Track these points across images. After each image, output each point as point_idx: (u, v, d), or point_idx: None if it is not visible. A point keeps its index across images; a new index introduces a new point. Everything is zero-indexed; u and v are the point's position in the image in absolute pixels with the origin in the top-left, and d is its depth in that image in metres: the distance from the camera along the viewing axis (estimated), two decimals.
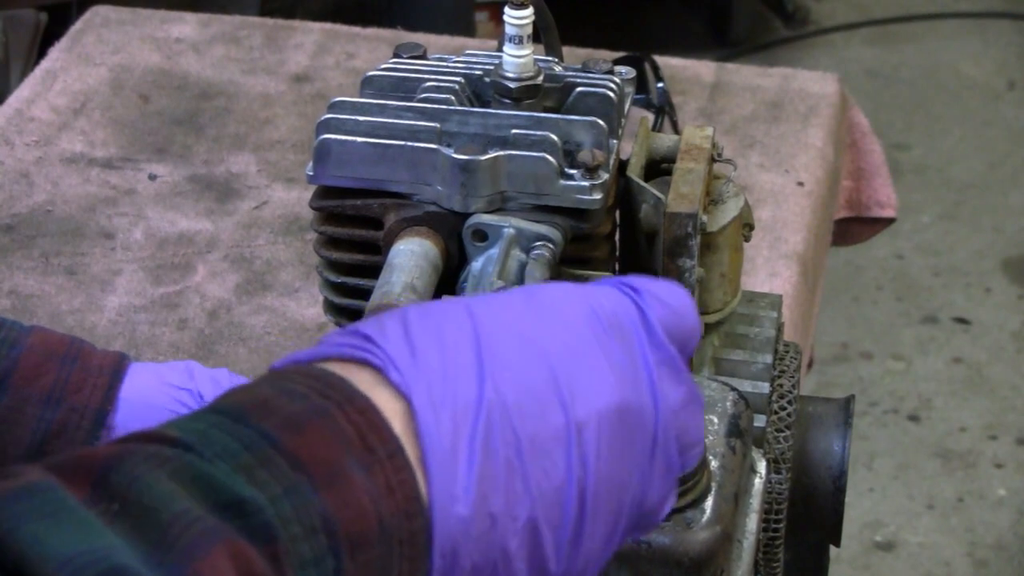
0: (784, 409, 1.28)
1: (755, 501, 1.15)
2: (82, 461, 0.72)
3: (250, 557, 0.71)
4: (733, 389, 1.14)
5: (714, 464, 1.07)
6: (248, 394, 0.79)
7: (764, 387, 1.28)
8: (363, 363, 0.81)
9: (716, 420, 1.11)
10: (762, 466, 1.17)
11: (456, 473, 0.79)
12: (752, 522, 1.13)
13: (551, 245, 1.16)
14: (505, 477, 0.80)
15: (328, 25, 2.36)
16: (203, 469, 0.73)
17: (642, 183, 1.23)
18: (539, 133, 1.17)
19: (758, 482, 1.16)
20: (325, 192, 1.22)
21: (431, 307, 0.85)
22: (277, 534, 0.72)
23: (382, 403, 0.79)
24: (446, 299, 0.90)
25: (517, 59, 1.20)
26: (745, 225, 1.29)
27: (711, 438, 1.09)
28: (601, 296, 0.87)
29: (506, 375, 0.81)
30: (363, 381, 0.80)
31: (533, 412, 0.81)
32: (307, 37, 2.32)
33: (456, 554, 0.79)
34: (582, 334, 0.85)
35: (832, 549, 1.40)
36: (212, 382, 1.19)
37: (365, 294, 1.18)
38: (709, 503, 1.05)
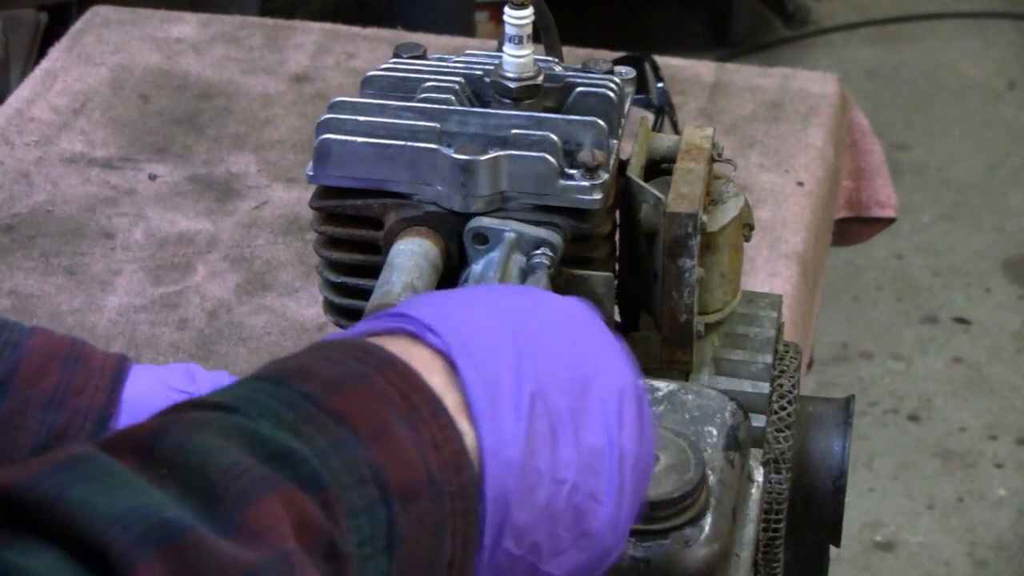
0: (784, 409, 1.28)
1: (753, 511, 1.14)
2: (126, 437, 0.73)
3: (303, 503, 0.71)
4: (732, 399, 1.14)
5: (712, 479, 1.07)
6: (287, 362, 0.80)
7: (764, 387, 1.27)
8: (399, 332, 0.83)
9: (715, 432, 1.10)
10: (759, 473, 1.17)
11: (502, 420, 0.80)
12: (749, 532, 1.13)
13: (551, 252, 1.16)
14: (550, 437, 0.81)
15: (328, 25, 2.36)
16: (247, 426, 0.74)
17: (642, 183, 1.23)
18: (539, 133, 1.17)
19: (755, 491, 1.15)
20: (325, 192, 1.22)
21: (456, 291, 0.89)
22: (326, 482, 0.73)
23: (421, 364, 0.81)
24: (462, 291, 0.92)
25: (517, 59, 1.20)
26: (745, 225, 1.29)
27: (709, 451, 1.09)
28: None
29: (538, 352, 0.83)
30: (400, 347, 0.81)
31: (568, 386, 0.83)
32: (307, 37, 2.32)
33: (507, 507, 0.80)
34: (588, 324, 0.88)
35: (832, 549, 1.40)
36: (213, 385, 1.19)
37: (365, 294, 1.18)
38: (708, 520, 1.04)
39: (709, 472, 1.07)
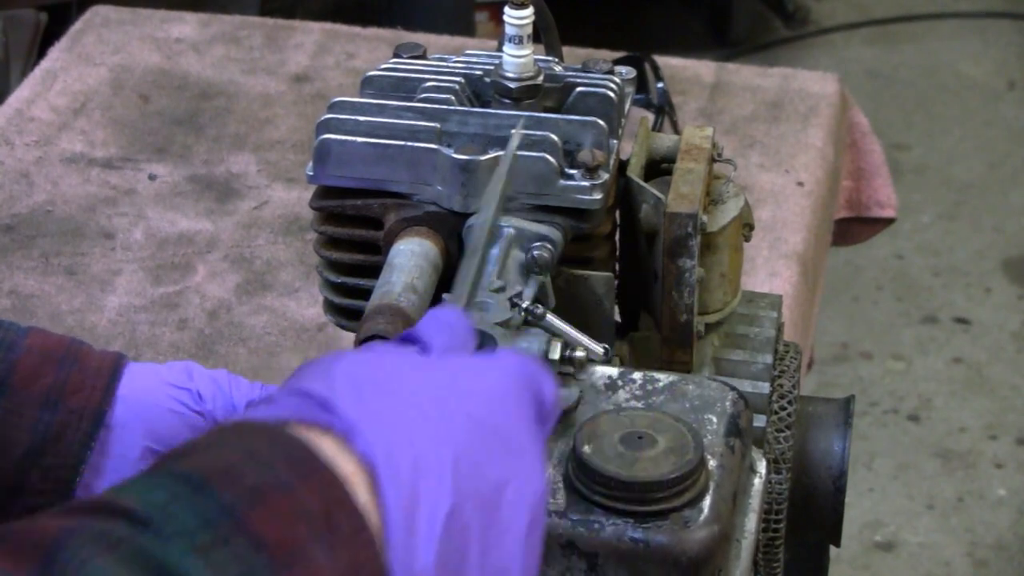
0: (784, 409, 1.28)
1: (754, 501, 1.15)
2: (30, 536, 0.70)
3: None
4: (732, 388, 1.14)
5: (712, 463, 1.07)
6: (212, 457, 0.77)
7: (764, 387, 1.28)
8: (326, 429, 0.80)
9: (715, 420, 1.11)
10: (762, 466, 1.17)
11: (415, 549, 0.79)
12: (751, 522, 1.13)
13: (550, 246, 1.16)
14: (459, 560, 0.80)
15: (328, 25, 2.36)
16: (156, 554, 0.71)
17: (642, 183, 1.24)
18: (539, 133, 1.17)
19: (758, 482, 1.16)
20: (325, 192, 1.22)
21: (379, 367, 0.84)
22: None
23: (347, 473, 0.78)
24: (390, 351, 0.89)
25: (517, 59, 1.20)
26: (745, 225, 1.29)
27: (709, 438, 1.09)
28: (534, 383, 0.88)
29: (461, 460, 0.81)
30: (328, 448, 0.79)
31: (484, 496, 0.82)
32: (307, 37, 2.32)
33: None
34: (515, 413, 0.85)
35: (832, 549, 1.40)
36: (212, 382, 1.19)
37: (365, 294, 1.18)
38: (707, 502, 1.05)
39: (709, 456, 1.07)
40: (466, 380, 0.85)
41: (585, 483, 1.05)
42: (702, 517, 1.04)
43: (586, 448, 1.05)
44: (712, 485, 1.06)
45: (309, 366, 0.85)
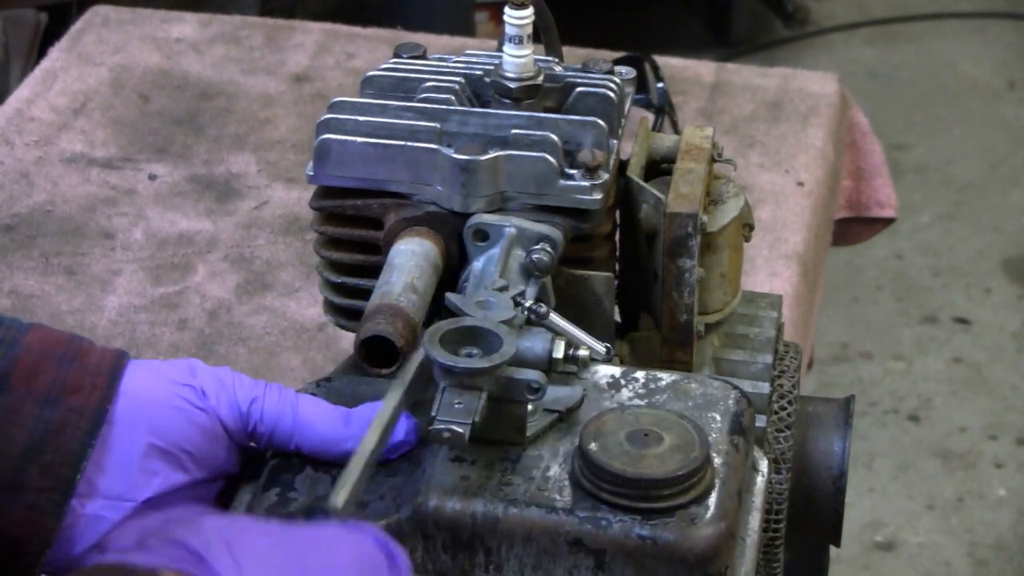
0: (784, 409, 1.28)
1: (757, 499, 1.15)
2: None
3: None
4: (735, 387, 1.14)
5: (717, 461, 1.07)
6: None
7: (764, 387, 1.28)
8: None
9: (719, 418, 1.11)
10: (764, 464, 1.17)
11: None
12: (755, 520, 1.13)
13: (550, 248, 1.16)
14: None
15: (328, 25, 2.36)
16: None
17: (642, 183, 1.24)
18: (539, 133, 1.17)
19: (760, 480, 1.16)
20: (325, 192, 1.22)
21: (251, 534, 0.90)
22: None
23: None
24: (258, 525, 0.94)
25: (517, 59, 1.20)
26: (745, 225, 1.29)
27: (714, 436, 1.09)
28: (392, 563, 0.94)
29: None
30: None
31: None
32: (307, 37, 2.32)
33: None
34: None
35: (832, 549, 1.40)
36: (215, 379, 1.18)
37: (365, 294, 1.18)
38: (713, 499, 1.05)
39: (714, 454, 1.07)
40: (329, 555, 0.91)
41: (592, 480, 1.05)
42: (709, 514, 1.04)
43: (592, 445, 1.06)
44: (718, 482, 1.06)
45: (182, 521, 0.91)
